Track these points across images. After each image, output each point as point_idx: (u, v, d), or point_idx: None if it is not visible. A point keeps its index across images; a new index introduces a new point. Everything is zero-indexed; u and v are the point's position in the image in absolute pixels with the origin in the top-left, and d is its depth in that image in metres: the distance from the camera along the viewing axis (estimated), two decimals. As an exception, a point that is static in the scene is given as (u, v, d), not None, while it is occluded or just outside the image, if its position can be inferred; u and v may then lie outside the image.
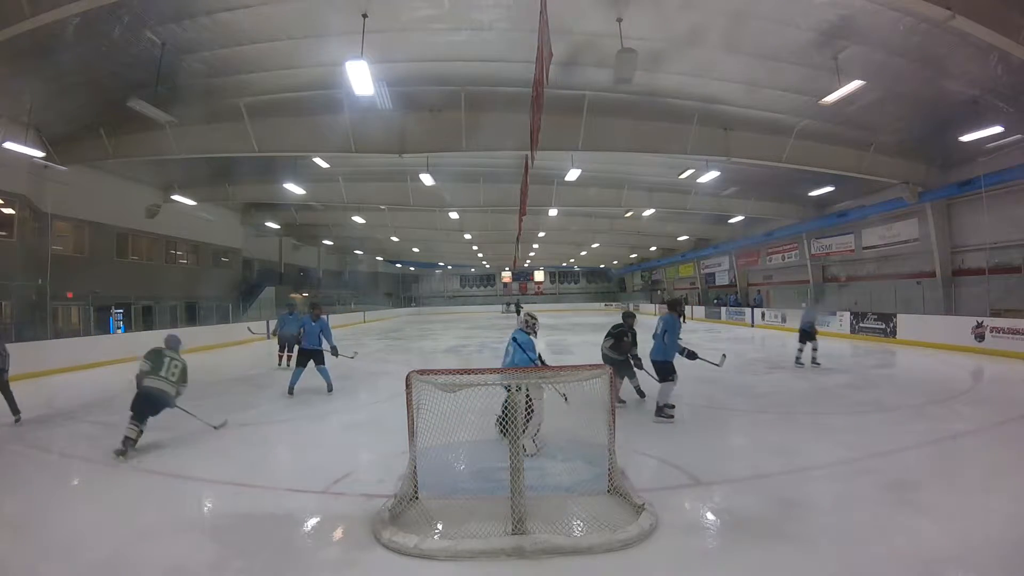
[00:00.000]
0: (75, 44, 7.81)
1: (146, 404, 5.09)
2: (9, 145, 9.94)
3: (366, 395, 8.67)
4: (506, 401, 3.52)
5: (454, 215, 20.39)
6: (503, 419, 3.48)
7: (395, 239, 27.92)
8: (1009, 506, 3.45)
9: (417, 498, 3.61)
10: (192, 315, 19.14)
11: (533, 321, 5.47)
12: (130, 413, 5.01)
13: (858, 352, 12.63)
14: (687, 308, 24.02)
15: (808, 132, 11.57)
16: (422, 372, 3.64)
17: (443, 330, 24.31)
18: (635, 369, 6.66)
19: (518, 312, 8.54)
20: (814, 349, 10.20)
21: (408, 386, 3.61)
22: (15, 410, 6.43)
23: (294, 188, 15.43)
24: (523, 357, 4.99)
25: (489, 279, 50.60)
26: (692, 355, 6.15)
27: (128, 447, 4.86)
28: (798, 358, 10.21)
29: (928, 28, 7.40)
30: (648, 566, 2.86)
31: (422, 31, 8.09)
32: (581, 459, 4.25)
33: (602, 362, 5.97)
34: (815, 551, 2.96)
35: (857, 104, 9.87)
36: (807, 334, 10.26)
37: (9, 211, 12.60)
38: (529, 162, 10.32)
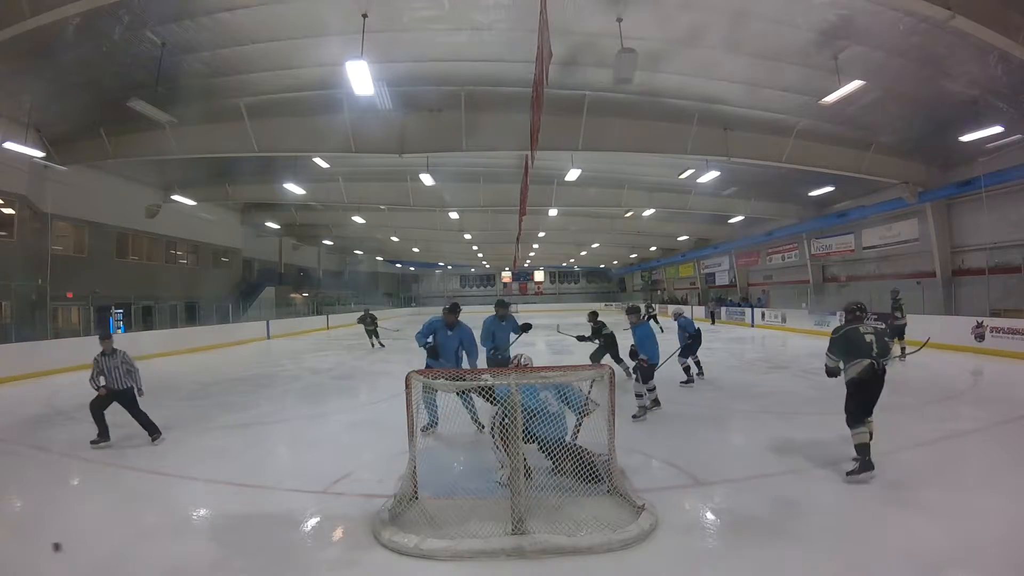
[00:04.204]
0: (75, 44, 7.81)
1: None
2: (9, 145, 9.94)
3: (366, 395, 8.68)
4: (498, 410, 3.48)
5: (454, 215, 20.37)
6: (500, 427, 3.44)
7: (395, 239, 27.90)
8: (1009, 506, 3.45)
9: (417, 498, 3.61)
10: (192, 315, 19.14)
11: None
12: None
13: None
14: (687, 308, 24.00)
15: (808, 132, 11.56)
16: (422, 372, 3.64)
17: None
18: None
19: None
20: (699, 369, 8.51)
21: (408, 386, 3.61)
22: None
23: (294, 188, 15.42)
24: None
25: (489, 279, 50.58)
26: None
27: None
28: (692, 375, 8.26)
29: (928, 28, 7.41)
30: (648, 566, 2.85)
31: (422, 31, 8.08)
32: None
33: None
34: (815, 551, 2.95)
35: (857, 104, 9.87)
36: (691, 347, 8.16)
37: (9, 211, 12.60)
38: (529, 162, 10.31)
